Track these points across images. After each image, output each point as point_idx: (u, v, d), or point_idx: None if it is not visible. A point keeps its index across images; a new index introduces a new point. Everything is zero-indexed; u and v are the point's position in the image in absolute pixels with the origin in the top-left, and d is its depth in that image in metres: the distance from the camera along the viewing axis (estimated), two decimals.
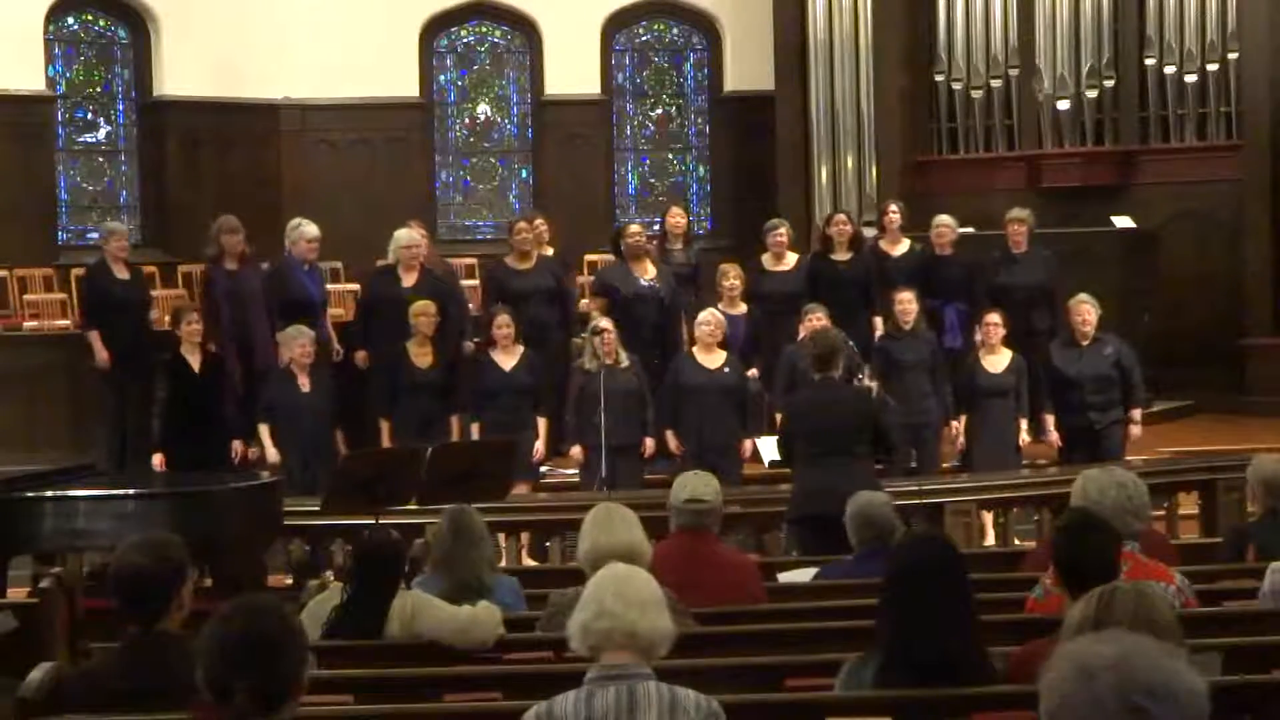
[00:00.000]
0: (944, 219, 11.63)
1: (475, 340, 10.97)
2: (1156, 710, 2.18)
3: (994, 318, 10.22)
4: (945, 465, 10.46)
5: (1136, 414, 10.11)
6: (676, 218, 11.86)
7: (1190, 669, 2.26)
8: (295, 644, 3.20)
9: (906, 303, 10.28)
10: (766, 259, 11.33)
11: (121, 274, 11.15)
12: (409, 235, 10.82)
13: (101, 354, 10.84)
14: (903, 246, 11.70)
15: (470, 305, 11.79)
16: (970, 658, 4.18)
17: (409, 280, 10.62)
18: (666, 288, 10.92)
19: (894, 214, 11.72)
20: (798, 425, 8.17)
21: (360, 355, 10.60)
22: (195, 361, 9.90)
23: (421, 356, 10.02)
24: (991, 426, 10.16)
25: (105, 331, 10.93)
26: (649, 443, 9.93)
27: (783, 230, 11.38)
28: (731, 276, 10.83)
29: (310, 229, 10.98)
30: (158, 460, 9.73)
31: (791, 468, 8.39)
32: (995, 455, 10.09)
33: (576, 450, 9.92)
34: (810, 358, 8.30)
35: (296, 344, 9.98)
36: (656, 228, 12.30)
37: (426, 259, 11.00)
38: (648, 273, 10.92)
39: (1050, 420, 10.18)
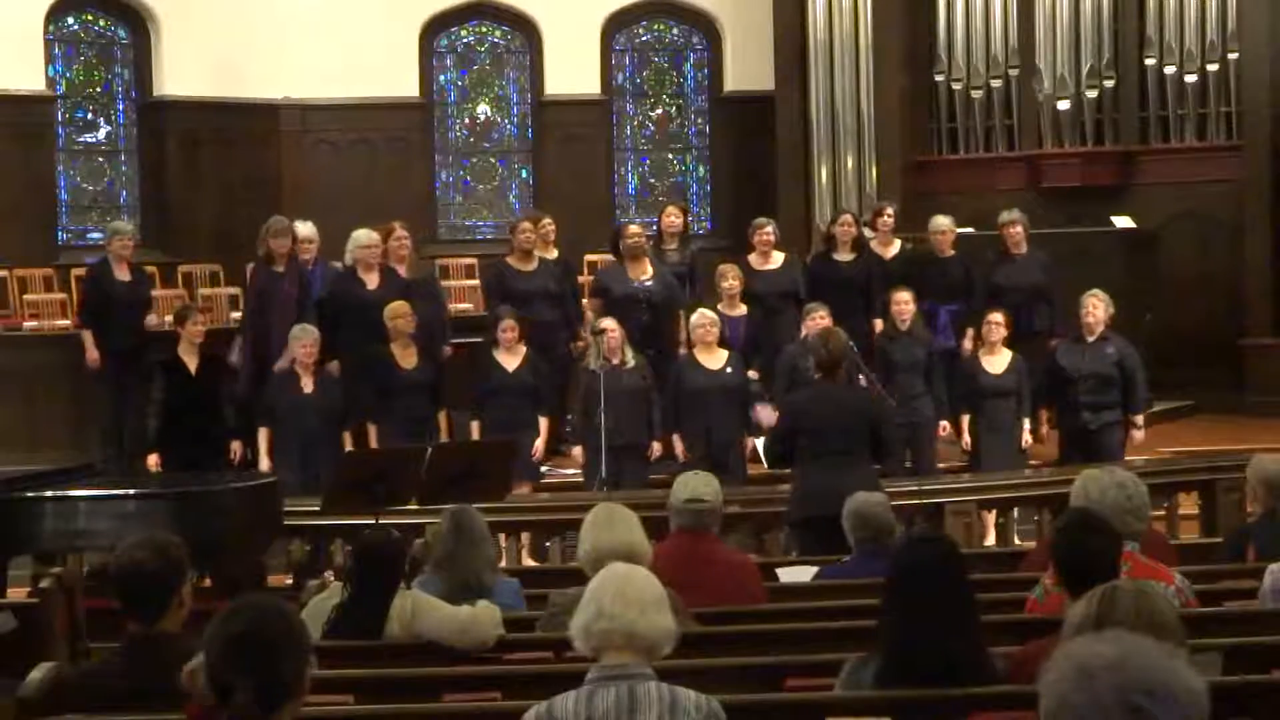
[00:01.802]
0: (944, 220, 11.62)
1: (453, 343, 10.97)
2: (1156, 710, 2.18)
3: (996, 317, 10.23)
4: (947, 465, 10.47)
5: (1138, 419, 10.09)
6: (671, 217, 11.81)
7: (1190, 669, 2.25)
8: (298, 645, 3.19)
9: (903, 303, 10.29)
10: (753, 258, 11.33)
11: (122, 275, 11.14)
12: (367, 235, 10.74)
13: (91, 353, 10.83)
14: (894, 248, 11.71)
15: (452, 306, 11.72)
16: (971, 658, 4.18)
17: (372, 281, 10.55)
18: (661, 288, 10.88)
19: (889, 217, 11.72)
20: (799, 425, 8.15)
21: (331, 365, 10.33)
22: (192, 363, 9.88)
23: (406, 357, 10.00)
24: (994, 427, 10.17)
25: (103, 331, 10.92)
26: (655, 445, 9.93)
27: (769, 229, 11.38)
28: (730, 277, 10.82)
29: (298, 230, 10.94)
30: (152, 461, 9.71)
31: (779, 467, 8.37)
32: (998, 455, 10.09)
33: (577, 451, 9.92)
34: (816, 360, 8.26)
35: (299, 344, 9.95)
36: (655, 228, 12.29)
37: (408, 259, 10.96)
38: (645, 273, 10.90)
39: (1044, 415, 10.19)
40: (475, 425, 10.00)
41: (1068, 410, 10.04)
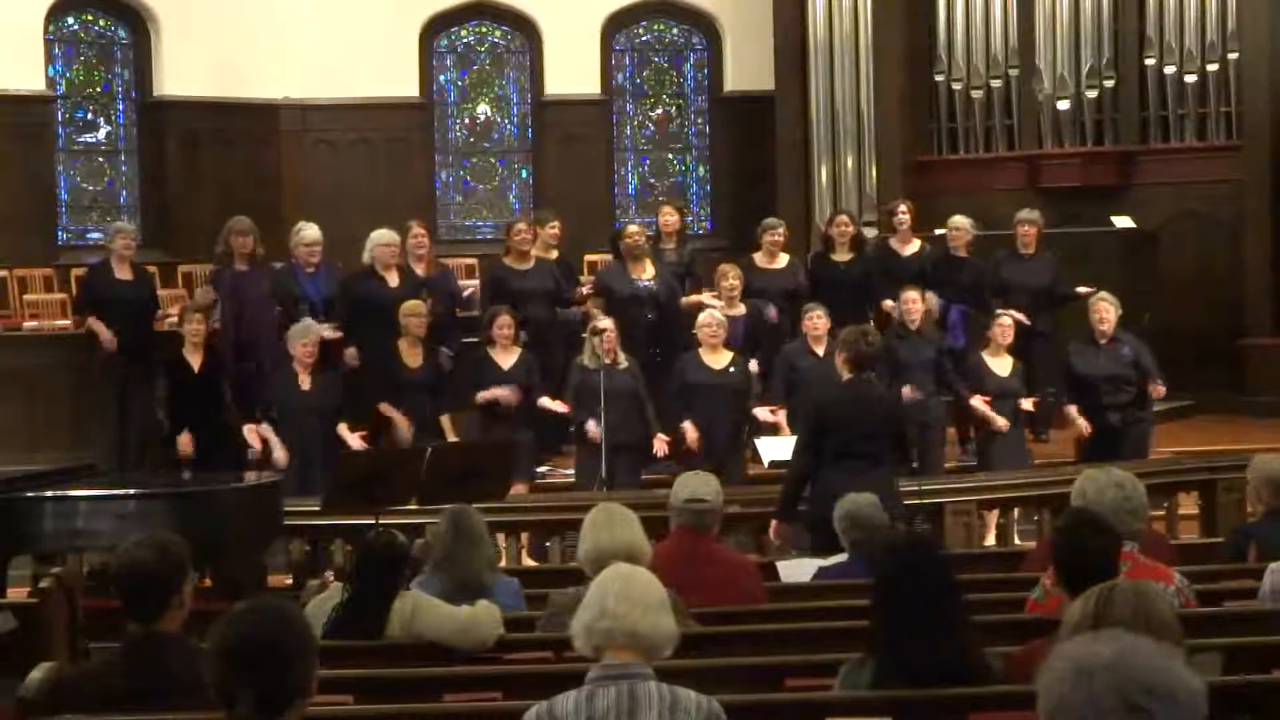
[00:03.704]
0: (961, 220, 11.62)
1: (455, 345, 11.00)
2: (1154, 710, 2.18)
3: (1006, 319, 10.24)
4: (951, 466, 10.46)
5: (1160, 387, 10.02)
6: (668, 216, 11.83)
7: (1188, 668, 2.26)
8: (302, 649, 3.18)
9: (911, 302, 10.28)
10: (759, 257, 11.33)
11: (123, 274, 11.11)
12: (387, 234, 10.76)
13: (105, 333, 10.73)
14: (913, 246, 11.70)
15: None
16: (963, 659, 4.17)
17: (393, 280, 10.58)
18: (664, 288, 10.91)
19: (904, 214, 11.71)
20: (824, 423, 7.99)
21: (350, 352, 10.44)
22: (195, 361, 9.90)
23: (412, 356, 10.03)
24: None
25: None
26: (660, 442, 9.77)
27: (780, 230, 11.40)
28: (731, 277, 10.81)
29: (306, 233, 10.94)
30: (184, 440, 9.71)
31: (798, 466, 8.31)
32: (1006, 456, 10.07)
33: (592, 426, 9.63)
34: (854, 354, 8.02)
35: (299, 343, 9.96)
36: (654, 227, 12.28)
37: (426, 257, 10.99)
38: (646, 272, 10.92)
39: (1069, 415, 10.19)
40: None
41: (1090, 411, 9.99)
